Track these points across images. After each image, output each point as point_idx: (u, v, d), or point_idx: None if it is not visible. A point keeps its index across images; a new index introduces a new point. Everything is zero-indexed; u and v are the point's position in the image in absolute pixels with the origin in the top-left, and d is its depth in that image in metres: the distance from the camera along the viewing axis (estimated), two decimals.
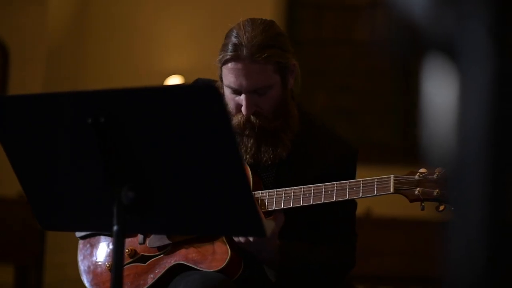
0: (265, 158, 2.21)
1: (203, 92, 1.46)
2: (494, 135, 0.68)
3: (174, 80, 5.76)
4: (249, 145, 2.21)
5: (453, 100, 0.70)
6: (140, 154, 1.53)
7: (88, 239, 2.34)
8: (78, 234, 2.35)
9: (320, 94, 6.31)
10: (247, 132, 2.20)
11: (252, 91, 2.16)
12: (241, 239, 2.10)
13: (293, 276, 2.18)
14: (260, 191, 2.17)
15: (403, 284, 4.96)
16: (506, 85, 0.67)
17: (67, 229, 1.83)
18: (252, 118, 2.18)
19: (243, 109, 2.17)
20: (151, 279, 2.22)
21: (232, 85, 2.16)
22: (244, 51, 2.13)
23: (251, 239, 2.09)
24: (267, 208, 2.15)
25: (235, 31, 2.17)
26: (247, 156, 2.21)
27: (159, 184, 1.55)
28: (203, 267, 2.15)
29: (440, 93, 0.70)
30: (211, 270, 2.13)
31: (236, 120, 2.19)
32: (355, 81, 6.28)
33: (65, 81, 5.86)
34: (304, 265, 2.19)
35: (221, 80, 2.23)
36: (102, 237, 2.33)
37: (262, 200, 2.16)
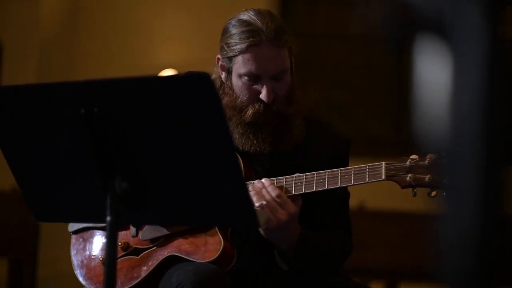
0: (283, 145, 2.22)
1: (195, 80, 1.46)
2: (488, 117, 0.68)
3: (168, 73, 5.75)
4: (267, 133, 2.21)
5: (446, 80, 0.70)
6: (133, 144, 1.53)
7: (80, 234, 2.33)
8: (71, 228, 2.34)
9: (313, 89, 6.30)
10: (265, 120, 2.20)
11: (272, 77, 2.17)
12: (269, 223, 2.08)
13: (306, 263, 2.18)
14: (252, 181, 2.17)
15: (398, 277, 4.97)
16: (499, 64, 0.67)
17: (60, 220, 1.83)
18: (270, 105, 2.19)
19: (263, 96, 2.17)
20: (144, 271, 2.21)
21: (254, 71, 2.16)
22: (265, 36, 2.14)
23: (276, 223, 2.08)
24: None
25: (243, 20, 2.18)
26: (266, 145, 2.21)
27: (152, 175, 1.55)
28: (196, 258, 2.15)
29: (433, 74, 0.70)
30: (204, 261, 2.13)
31: (254, 109, 2.19)
32: (348, 76, 6.28)
33: (58, 75, 5.84)
34: (317, 253, 2.19)
35: (229, 73, 2.22)
36: (95, 231, 2.32)
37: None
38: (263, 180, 2.14)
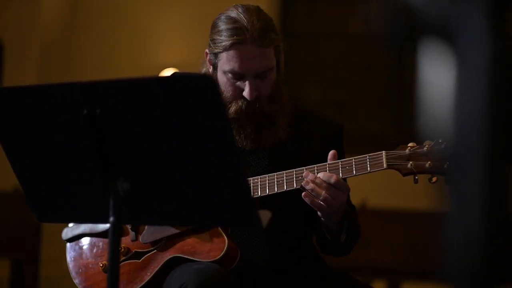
0: (266, 142, 2.22)
1: (198, 81, 1.46)
2: (492, 119, 0.68)
3: (169, 72, 5.75)
4: (250, 130, 2.22)
5: (450, 83, 0.70)
6: (136, 145, 1.53)
7: (76, 242, 2.31)
8: (65, 236, 2.33)
9: (314, 88, 6.30)
10: (248, 117, 2.21)
11: (255, 75, 2.18)
12: (324, 201, 2.07)
13: (350, 236, 2.21)
14: (251, 177, 2.17)
15: (400, 276, 4.97)
16: (502, 68, 0.67)
17: (63, 221, 1.83)
18: (253, 103, 2.20)
19: (246, 93, 2.19)
20: (147, 275, 2.19)
21: (237, 69, 2.17)
22: (249, 35, 2.15)
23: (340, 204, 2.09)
24: (260, 194, 2.15)
25: (230, 17, 2.19)
26: (248, 141, 2.22)
27: (155, 175, 1.55)
28: (201, 258, 2.14)
29: (437, 76, 0.71)
30: (209, 260, 2.12)
31: (236, 106, 2.21)
32: (348, 75, 6.28)
33: (58, 74, 5.85)
34: (355, 226, 2.23)
35: (214, 68, 2.24)
36: (91, 239, 2.30)
37: (254, 186, 2.16)
38: (311, 176, 2.11)
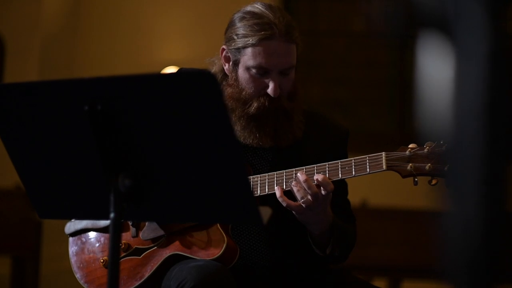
0: (284, 140, 2.22)
1: (199, 78, 1.46)
2: (491, 112, 0.68)
3: (170, 70, 5.76)
4: (270, 128, 2.21)
5: (449, 75, 0.70)
6: (137, 142, 1.53)
7: (78, 236, 2.32)
8: (67, 231, 2.33)
9: (315, 86, 6.31)
10: (269, 115, 2.20)
11: (280, 72, 2.17)
12: (305, 205, 2.07)
13: (339, 248, 2.19)
14: (252, 176, 2.17)
15: (400, 274, 4.97)
16: (501, 60, 0.67)
17: (64, 217, 1.83)
18: (275, 99, 2.19)
19: (271, 90, 2.17)
20: (147, 271, 2.20)
21: (264, 64, 2.15)
22: (278, 30, 2.14)
23: (316, 208, 2.07)
24: (260, 193, 2.15)
25: (254, 12, 2.17)
26: (268, 139, 2.21)
27: (156, 172, 1.55)
28: (200, 256, 2.14)
29: (436, 69, 0.71)
30: (209, 258, 2.12)
31: (259, 102, 2.19)
32: (350, 72, 6.28)
33: (60, 72, 5.85)
34: (345, 238, 2.21)
35: (235, 64, 2.21)
36: (93, 233, 2.30)
37: (254, 185, 2.16)
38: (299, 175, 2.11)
